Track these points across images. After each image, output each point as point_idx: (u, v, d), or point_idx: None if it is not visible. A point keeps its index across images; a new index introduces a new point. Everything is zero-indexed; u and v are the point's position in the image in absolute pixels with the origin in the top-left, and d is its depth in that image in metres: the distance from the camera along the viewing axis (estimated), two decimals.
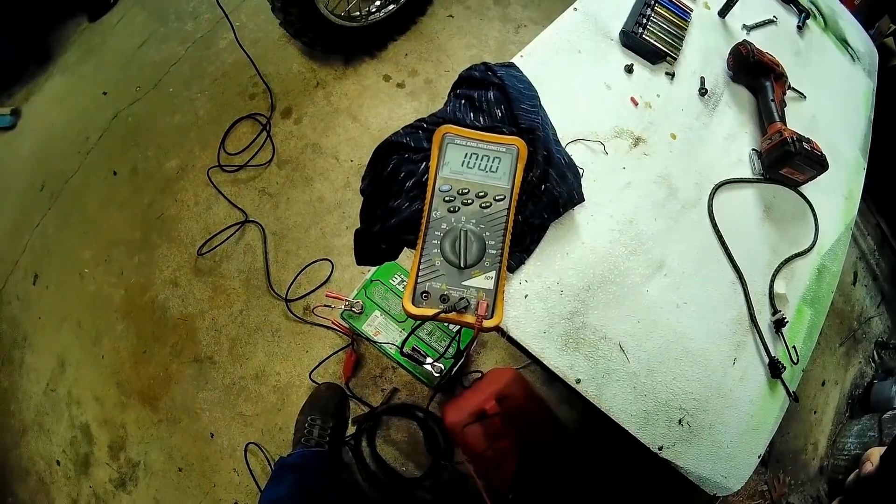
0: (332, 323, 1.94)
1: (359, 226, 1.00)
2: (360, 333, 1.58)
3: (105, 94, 2.51)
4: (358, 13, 2.37)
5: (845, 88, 1.63)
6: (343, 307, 1.58)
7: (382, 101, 2.45)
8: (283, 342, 2.02)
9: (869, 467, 0.67)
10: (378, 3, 2.44)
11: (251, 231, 2.18)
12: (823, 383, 2.35)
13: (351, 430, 1.87)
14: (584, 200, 1.00)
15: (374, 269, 1.65)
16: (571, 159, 1.01)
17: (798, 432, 2.23)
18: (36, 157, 2.42)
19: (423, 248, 0.87)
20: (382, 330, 1.57)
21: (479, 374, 1.86)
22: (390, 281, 1.63)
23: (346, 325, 1.65)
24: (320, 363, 1.95)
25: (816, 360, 2.36)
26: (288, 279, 2.08)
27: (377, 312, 1.60)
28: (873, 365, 2.52)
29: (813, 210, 1.31)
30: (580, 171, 1.02)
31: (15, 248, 2.24)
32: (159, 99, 2.47)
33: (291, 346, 2.01)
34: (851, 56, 1.71)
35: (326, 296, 1.71)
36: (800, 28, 1.65)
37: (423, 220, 0.89)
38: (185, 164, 2.30)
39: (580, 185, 1.00)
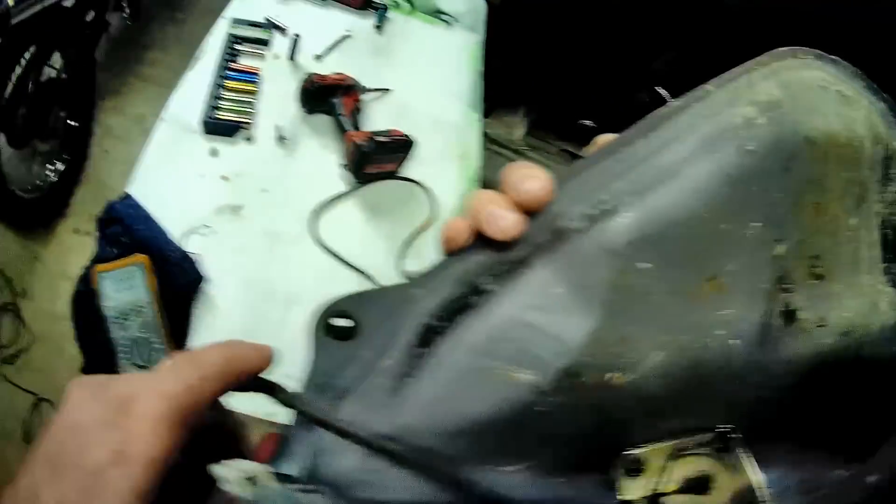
0: None
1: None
2: None
3: None
4: (39, 181, 2.56)
5: (442, 57, 1.78)
6: None
7: (81, 253, 2.50)
8: None
9: None
10: (51, 165, 2.62)
11: (49, 407, 2.31)
12: None
13: None
14: (202, 279, 1.24)
15: None
16: (184, 252, 1.25)
17: None
18: None
19: (120, 364, 1.15)
20: None
21: None
22: None
23: None
24: None
25: None
26: None
27: None
28: None
29: (419, 185, 1.48)
30: (195, 256, 1.26)
31: None
32: None
33: None
34: (447, 22, 1.89)
35: None
36: (379, 27, 1.77)
37: (113, 344, 1.16)
38: None
39: (196, 269, 1.24)
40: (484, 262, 0.40)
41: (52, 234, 2.68)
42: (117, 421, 0.37)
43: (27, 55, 2.24)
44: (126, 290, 1.17)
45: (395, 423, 0.38)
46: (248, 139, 1.49)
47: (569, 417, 0.37)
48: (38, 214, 2.60)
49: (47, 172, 2.61)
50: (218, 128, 1.47)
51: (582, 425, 0.38)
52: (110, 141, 2.96)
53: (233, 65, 1.60)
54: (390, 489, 0.38)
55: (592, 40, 2.44)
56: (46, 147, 2.54)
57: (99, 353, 1.20)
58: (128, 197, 1.33)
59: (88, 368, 1.27)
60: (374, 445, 0.38)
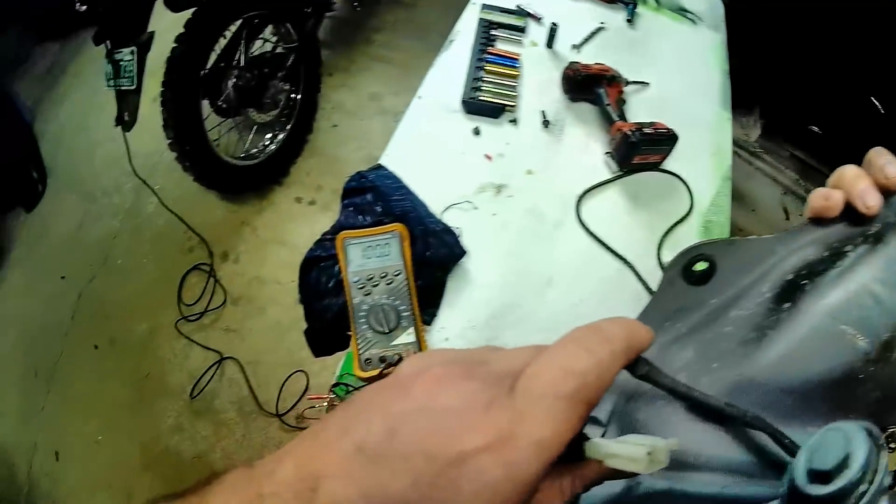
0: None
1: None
2: None
3: (63, 278, 2.67)
4: (255, 149, 2.62)
5: (691, 55, 1.75)
6: (326, 404, 1.74)
7: (301, 221, 2.68)
8: None
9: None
10: (269, 135, 2.68)
11: (229, 366, 2.35)
12: None
13: None
14: (465, 253, 1.20)
15: (341, 365, 1.81)
16: (445, 224, 1.22)
17: None
18: (20, 349, 2.56)
19: (355, 328, 1.09)
20: None
21: None
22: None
23: None
24: None
25: None
26: (274, 398, 2.24)
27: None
28: None
29: (681, 179, 1.42)
30: (456, 230, 1.22)
31: (29, 431, 2.35)
32: (112, 272, 2.65)
33: None
34: (692, 21, 1.84)
35: (309, 399, 1.86)
36: (630, 21, 1.75)
37: (349, 308, 1.10)
38: (154, 325, 2.48)
39: (458, 243, 1.20)
40: (846, 232, 0.46)
41: (266, 201, 2.74)
42: (501, 401, 0.33)
43: (233, 28, 2.29)
44: (377, 257, 1.13)
45: (739, 374, 0.41)
46: (513, 121, 1.47)
47: (869, 387, 0.40)
48: (250, 181, 2.67)
49: (265, 142, 2.66)
50: (481, 109, 1.46)
51: (872, 396, 0.40)
52: (339, 116, 3.01)
53: (490, 49, 1.58)
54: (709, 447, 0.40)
55: (821, 47, 2.40)
56: (265, 118, 2.59)
57: (327, 317, 1.18)
58: (380, 167, 1.32)
59: (313, 332, 1.25)
60: (727, 412, 0.38)
